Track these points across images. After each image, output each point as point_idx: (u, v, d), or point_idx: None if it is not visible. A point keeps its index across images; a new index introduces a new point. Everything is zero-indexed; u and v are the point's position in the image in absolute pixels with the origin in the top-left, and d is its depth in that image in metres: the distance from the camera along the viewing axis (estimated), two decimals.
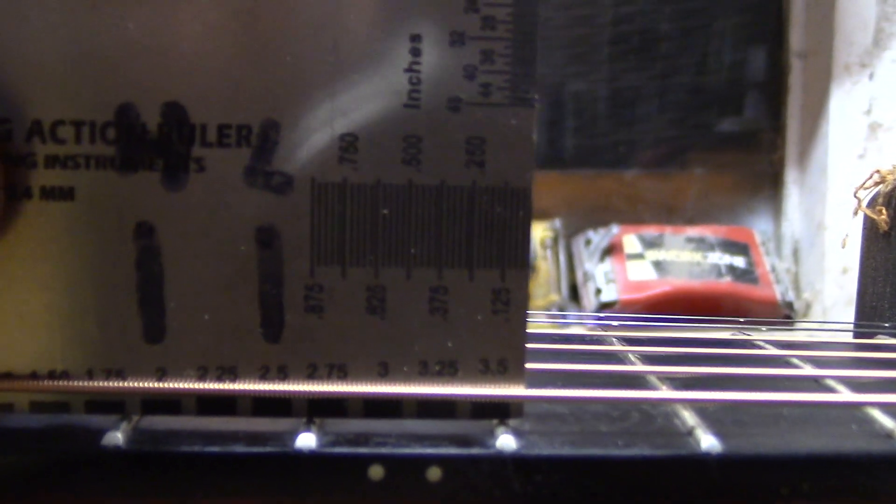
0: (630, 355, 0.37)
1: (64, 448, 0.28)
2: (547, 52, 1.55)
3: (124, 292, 0.28)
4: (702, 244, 1.34)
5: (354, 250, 0.28)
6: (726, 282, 1.30)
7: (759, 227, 1.45)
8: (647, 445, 0.29)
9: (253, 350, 0.28)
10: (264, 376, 0.29)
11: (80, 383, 0.28)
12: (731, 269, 1.32)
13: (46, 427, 0.29)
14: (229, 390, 0.28)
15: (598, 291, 1.30)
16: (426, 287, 0.28)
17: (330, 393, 0.29)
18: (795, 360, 0.37)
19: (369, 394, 0.29)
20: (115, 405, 0.29)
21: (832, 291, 1.28)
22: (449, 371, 0.29)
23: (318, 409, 0.29)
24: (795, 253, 1.42)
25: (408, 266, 0.28)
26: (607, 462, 0.28)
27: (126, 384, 0.28)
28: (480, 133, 0.28)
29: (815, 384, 0.35)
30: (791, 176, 1.44)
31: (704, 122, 1.56)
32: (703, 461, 0.28)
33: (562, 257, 1.40)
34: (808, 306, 1.31)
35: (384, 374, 0.29)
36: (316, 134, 0.28)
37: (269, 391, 0.28)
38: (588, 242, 1.40)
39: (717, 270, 1.32)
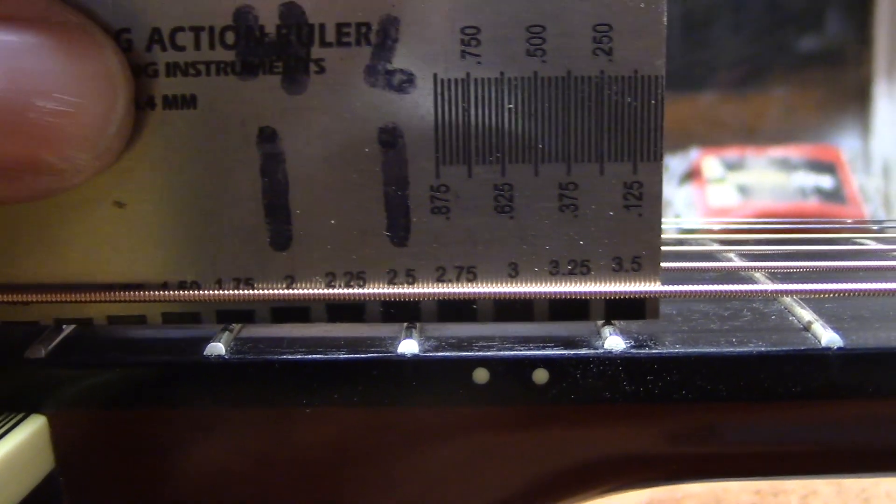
0: (734, 256, 0.36)
1: (167, 360, 0.28)
2: None
3: (250, 200, 0.28)
4: (786, 164, 1.30)
5: (480, 148, 0.27)
6: (813, 203, 1.26)
7: (846, 145, 1.40)
8: (762, 342, 0.28)
9: (380, 254, 0.28)
10: (392, 280, 0.28)
11: (210, 293, 0.28)
12: (818, 189, 1.28)
13: (150, 339, 0.29)
14: (358, 295, 0.28)
15: (678, 217, 1.27)
16: (555, 183, 0.27)
17: (460, 294, 0.28)
18: None
19: (501, 294, 0.28)
20: (245, 314, 0.29)
21: None
22: (581, 270, 0.28)
23: (447, 314, 0.29)
24: (885, 170, 1.36)
25: (535, 162, 0.27)
26: (721, 359, 0.27)
27: (255, 292, 0.28)
28: (607, 19, 0.26)
29: None
30: (880, 89, 1.37)
31: (784, 40, 1.51)
32: (824, 356, 0.27)
33: None
34: None
35: (514, 275, 0.28)
36: (437, 28, 0.27)
37: (398, 294, 0.28)
38: (665, 168, 1.37)
39: (803, 191, 1.27)
